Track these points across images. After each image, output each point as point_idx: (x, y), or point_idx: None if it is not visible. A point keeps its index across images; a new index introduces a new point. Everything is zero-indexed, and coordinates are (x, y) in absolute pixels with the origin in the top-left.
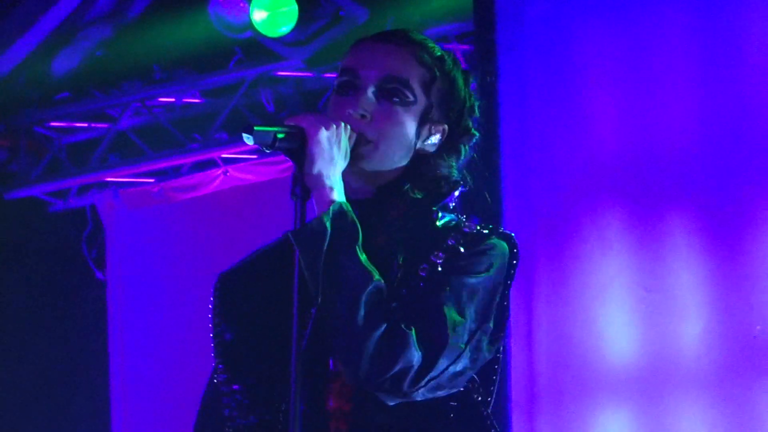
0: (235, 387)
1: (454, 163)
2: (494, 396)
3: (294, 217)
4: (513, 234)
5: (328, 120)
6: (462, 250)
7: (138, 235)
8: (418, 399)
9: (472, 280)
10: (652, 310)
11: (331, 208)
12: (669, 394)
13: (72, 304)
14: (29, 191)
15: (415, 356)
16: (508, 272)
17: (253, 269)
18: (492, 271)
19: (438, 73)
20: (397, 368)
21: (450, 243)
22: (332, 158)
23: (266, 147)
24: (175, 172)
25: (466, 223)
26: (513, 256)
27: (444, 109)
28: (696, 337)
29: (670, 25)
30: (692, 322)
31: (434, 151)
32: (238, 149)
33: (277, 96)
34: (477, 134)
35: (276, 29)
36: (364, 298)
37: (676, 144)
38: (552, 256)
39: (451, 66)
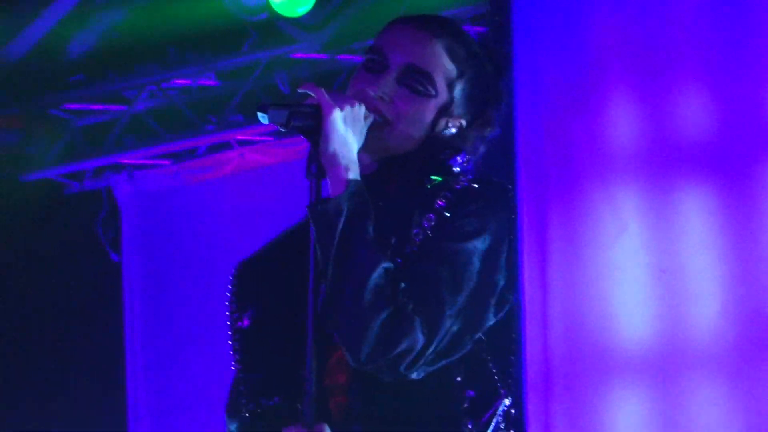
0: (249, 373)
1: (464, 148)
2: (511, 356)
3: (309, 194)
4: (508, 186)
5: (344, 99)
6: (450, 214)
7: (153, 218)
8: (414, 377)
9: (464, 245)
10: (668, 290)
11: (347, 188)
12: (684, 374)
13: (87, 287)
14: (45, 173)
15: (419, 340)
16: (508, 226)
17: (271, 254)
18: (486, 231)
19: (466, 72)
20: (397, 351)
21: (439, 204)
22: (348, 137)
23: (281, 126)
24: (191, 154)
25: (458, 179)
26: (509, 209)
27: (466, 105)
28: (712, 318)
29: (692, 10)
30: (708, 302)
31: (447, 139)
32: (254, 131)
33: (292, 78)
34: (497, 129)
35: (294, 9)
36: (371, 281)
37: (693, 124)
38: (566, 237)
39: (483, 64)
